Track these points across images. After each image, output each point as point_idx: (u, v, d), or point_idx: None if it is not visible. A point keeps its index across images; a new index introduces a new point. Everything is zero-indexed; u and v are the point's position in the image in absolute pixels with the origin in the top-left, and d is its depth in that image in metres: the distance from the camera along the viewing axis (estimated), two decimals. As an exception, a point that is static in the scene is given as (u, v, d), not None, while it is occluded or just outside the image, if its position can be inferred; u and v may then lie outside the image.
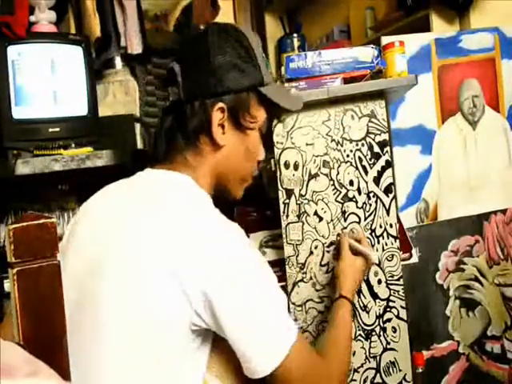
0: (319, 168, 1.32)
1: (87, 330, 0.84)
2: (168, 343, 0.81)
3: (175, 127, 0.98)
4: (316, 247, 1.32)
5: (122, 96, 2.15)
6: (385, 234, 1.35)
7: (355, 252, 1.21)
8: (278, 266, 1.41)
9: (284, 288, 1.34)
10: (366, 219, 1.34)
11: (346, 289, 1.13)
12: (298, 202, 1.32)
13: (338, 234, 1.30)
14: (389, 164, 1.35)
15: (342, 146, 1.33)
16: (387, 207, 1.35)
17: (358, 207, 1.33)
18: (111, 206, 0.94)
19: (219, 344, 0.86)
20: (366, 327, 1.34)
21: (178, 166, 0.96)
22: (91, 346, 0.83)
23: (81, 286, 0.88)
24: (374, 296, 1.35)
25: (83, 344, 0.83)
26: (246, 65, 0.97)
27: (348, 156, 1.34)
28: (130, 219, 0.87)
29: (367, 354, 1.34)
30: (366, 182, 1.34)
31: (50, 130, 1.64)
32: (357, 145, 1.34)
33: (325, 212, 1.33)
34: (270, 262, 1.47)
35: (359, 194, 1.34)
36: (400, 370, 1.36)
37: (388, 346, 1.35)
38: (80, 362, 0.78)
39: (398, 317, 1.36)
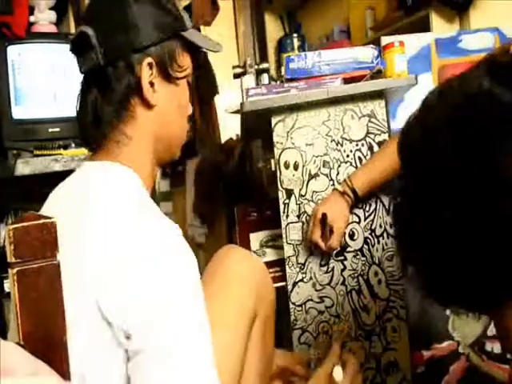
0: (319, 168, 1.32)
1: None
2: None
3: (99, 97, 0.88)
4: (316, 247, 1.32)
5: (122, 96, 2.15)
6: (385, 234, 1.35)
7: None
8: (278, 266, 1.41)
9: (284, 288, 1.34)
10: (365, 219, 1.34)
11: None
12: (298, 202, 1.32)
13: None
14: (389, 164, 1.35)
15: (341, 146, 1.33)
16: (387, 207, 1.35)
17: (358, 207, 1.33)
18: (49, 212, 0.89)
19: None
20: (365, 327, 1.34)
21: (114, 149, 0.87)
22: None
23: None
24: (374, 296, 1.35)
25: None
26: (165, 11, 0.90)
27: (348, 156, 1.34)
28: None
29: (367, 353, 1.34)
30: (366, 182, 1.34)
31: (50, 130, 1.64)
32: (357, 145, 1.34)
33: (325, 212, 1.32)
34: (270, 262, 1.48)
35: (359, 194, 1.34)
36: (400, 370, 1.36)
37: (388, 346, 1.35)
38: None
39: (397, 317, 1.36)
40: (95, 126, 0.88)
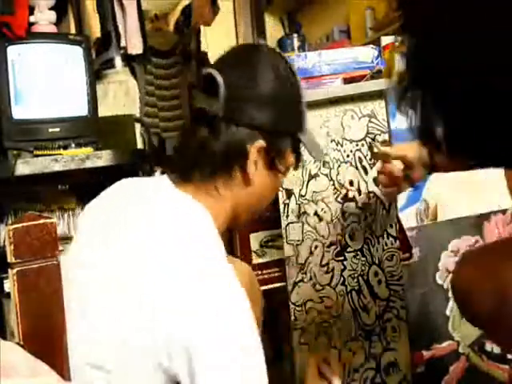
0: (319, 168, 1.32)
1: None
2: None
3: (206, 144, 0.88)
4: (316, 247, 1.32)
5: (122, 96, 2.15)
6: (385, 234, 1.35)
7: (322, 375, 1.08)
8: (278, 266, 1.41)
9: (284, 288, 1.34)
10: (365, 219, 1.34)
11: None
12: (298, 202, 1.32)
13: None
14: (389, 164, 1.35)
15: (341, 146, 1.33)
16: (387, 207, 1.35)
17: (357, 207, 1.33)
18: (117, 214, 0.89)
19: None
20: (365, 327, 1.34)
21: (202, 192, 0.89)
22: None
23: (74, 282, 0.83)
24: (374, 296, 1.35)
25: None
26: (295, 108, 0.94)
27: (348, 156, 1.34)
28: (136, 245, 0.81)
29: (367, 354, 1.34)
30: (366, 182, 1.34)
31: (50, 130, 1.64)
32: (357, 145, 1.34)
33: (325, 212, 1.32)
34: (270, 262, 1.48)
35: (359, 194, 1.34)
36: (400, 370, 1.36)
37: (388, 346, 1.35)
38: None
39: (397, 317, 1.36)
40: (192, 164, 0.90)
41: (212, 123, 0.87)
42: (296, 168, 1.04)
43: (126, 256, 0.79)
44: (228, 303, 0.76)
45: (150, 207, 0.87)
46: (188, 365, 0.71)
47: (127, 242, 0.81)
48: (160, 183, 0.93)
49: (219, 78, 0.86)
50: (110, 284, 0.78)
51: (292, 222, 1.32)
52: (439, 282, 1.78)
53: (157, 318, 0.73)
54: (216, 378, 0.72)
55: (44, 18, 1.74)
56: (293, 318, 1.31)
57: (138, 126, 2.12)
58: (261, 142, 0.88)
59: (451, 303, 1.78)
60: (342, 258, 1.33)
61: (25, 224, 0.59)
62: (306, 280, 1.32)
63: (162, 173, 0.99)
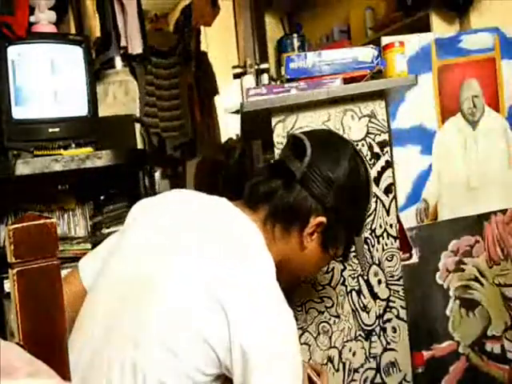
0: (319, 168, 1.32)
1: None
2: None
3: (278, 191, 0.98)
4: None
5: (122, 96, 2.15)
6: (385, 234, 1.35)
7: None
8: (278, 266, 1.40)
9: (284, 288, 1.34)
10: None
11: None
12: (298, 202, 1.31)
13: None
14: (389, 164, 1.35)
15: (341, 146, 1.33)
16: (387, 207, 1.35)
17: (357, 207, 1.33)
18: (171, 220, 0.96)
19: None
20: (365, 327, 1.34)
21: (264, 230, 0.97)
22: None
23: (130, 279, 0.89)
24: (374, 296, 1.35)
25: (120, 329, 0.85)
26: (360, 213, 1.05)
27: (348, 156, 1.33)
28: (198, 250, 0.89)
29: (367, 354, 1.34)
30: (366, 182, 1.34)
31: (50, 130, 1.64)
32: (357, 145, 1.34)
33: (325, 212, 1.32)
34: (270, 262, 1.47)
35: (359, 194, 1.34)
36: (400, 370, 1.36)
37: (388, 346, 1.35)
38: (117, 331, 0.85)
39: (397, 317, 1.36)
40: (259, 199, 0.99)
41: (288, 179, 0.97)
42: (338, 260, 1.21)
43: (205, 263, 0.86)
44: (282, 319, 0.85)
45: (223, 223, 0.95)
46: (243, 365, 0.80)
47: (205, 248, 0.88)
48: (222, 202, 1.01)
49: (308, 147, 0.97)
50: (190, 281, 0.85)
51: (292, 222, 1.31)
52: (439, 281, 1.78)
53: (225, 321, 0.80)
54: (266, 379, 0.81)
55: (44, 18, 1.74)
56: (293, 318, 1.31)
57: (137, 126, 2.12)
58: (322, 218, 0.97)
59: (451, 303, 1.78)
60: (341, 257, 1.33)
61: (25, 224, 0.59)
62: (306, 280, 1.32)
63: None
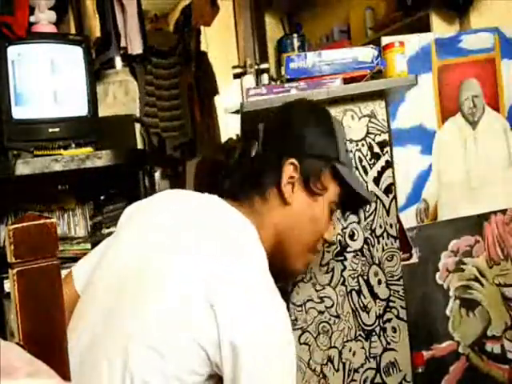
0: (319, 168, 1.32)
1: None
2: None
3: (248, 174, 1.01)
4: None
5: (122, 96, 2.15)
6: (385, 234, 1.35)
7: None
8: (278, 266, 1.40)
9: (284, 288, 1.34)
10: (365, 219, 1.34)
11: None
12: (298, 202, 1.31)
13: None
14: (389, 164, 1.35)
15: (341, 146, 1.33)
16: (387, 207, 1.35)
17: (357, 207, 1.33)
18: (170, 218, 0.96)
19: None
20: (365, 327, 1.34)
21: (246, 208, 0.97)
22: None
23: (121, 278, 0.89)
24: (374, 296, 1.35)
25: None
26: (325, 139, 1.02)
27: (348, 156, 1.34)
28: (186, 245, 0.89)
29: (367, 353, 1.34)
30: (366, 182, 1.34)
31: (50, 130, 1.64)
32: (357, 145, 1.34)
33: (325, 212, 1.32)
34: (270, 262, 1.47)
35: (359, 194, 1.34)
36: (400, 370, 1.36)
37: (388, 346, 1.35)
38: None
39: (397, 317, 1.36)
40: (238, 189, 1.01)
41: (255, 161, 1.01)
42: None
43: (190, 258, 0.86)
44: (274, 313, 0.83)
45: (218, 220, 0.95)
46: (233, 361, 0.79)
47: (202, 246, 0.88)
48: (214, 199, 1.01)
49: (260, 127, 1.03)
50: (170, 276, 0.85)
51: (292, 222, 1.31)
52: (439, 281, 1.78)
53: (213, 316, 0.79)
54: (256, 374, 0.79)
55: (44, 18, 1.74)
56: (293, 317, 1.31)
57: (137, 126, 2.12)
58: (291, 160, 0.97)
59: (451, 303, 1.78)
60: (341, 257, 1.33)
61: (25, 224, 0.59)
62: (305, 280, 1.32)
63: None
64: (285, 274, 1.06)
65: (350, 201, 1.07)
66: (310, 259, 1.06)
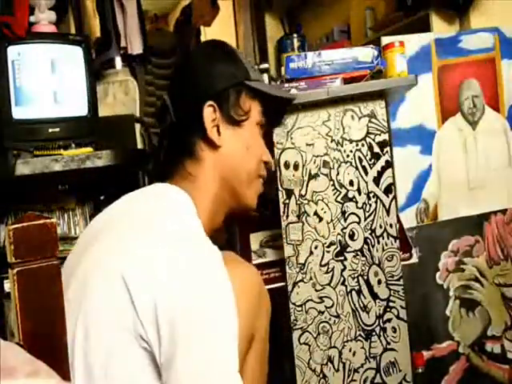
0: (319, 168, 1.32)
1: None
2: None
3: (173, 145, 1.00)
4: (316, 247, 1.32)
5: (122, 96, 2.15)
6: (385, 234, 1.35)
7: None
8: (278, 266, 1.41)
9: (284, 288, 1.34)
10: (366, 219, 1.34)
11: None
12: (298, 202, 1.32)
13: None
14: (389, 164, 1.35)
15: (341, 146, 1.33)
16: (387, 207, 1.35)
17: (357, 207, 1.33)
18: (106, 217, 0.97)
19: None
20: (365, 327, 1.34)
21: (179, 179, 0.97)
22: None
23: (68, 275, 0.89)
24: (374, 296, 1.35)
25: None
26: (228, 66, 1.00)
27: (348, 156, 1.34)
28: (117, 236, 0.88)
29: (367, 354, 1.34)
30: (366, 182, 1.34)
31: (50, 130, 1.64)
32: (357, 145, 1.34)
33: (325, 212, 1.33)
34: (269, 262, 1.48)
35: (359, 194, 1.34)
36: (400, 370, 1.36)
37: (388, 346, 1.35)
38: None
39: (397, 317, 1.36)
40: (168, 167, 1.00)
41: (173, 130, 1.00)
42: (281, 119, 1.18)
43: (110, 239, 0.87)
44: (207, 274, 0.80)
45: (138, 198, 0.97)
46: (171, 333, 0.75)
47: (110, 227, 0.89)
48: (157, 186, 1.00)
49: (165, 97, 1.01)
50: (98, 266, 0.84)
51: (292, 222, 1.32)
52: (439, 281, 1.78)
53: (141, 290, 0.77)
54: (196, 346, 0.76)
55: (44, 18, 1.74)
56: (293, 317, 1.31)
57: (137, 126, 2.12)
58: (209, 102, 0.95)
59: (451, 303, 1.78)
60: (342, 257, 1.33)
61: (25, 224, 0.59)
62: (305, 280, 1.32)
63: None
64: (244, 211, 1.06)
65: (275, 111, 1.08)
66: (258, 187, 1.06)
